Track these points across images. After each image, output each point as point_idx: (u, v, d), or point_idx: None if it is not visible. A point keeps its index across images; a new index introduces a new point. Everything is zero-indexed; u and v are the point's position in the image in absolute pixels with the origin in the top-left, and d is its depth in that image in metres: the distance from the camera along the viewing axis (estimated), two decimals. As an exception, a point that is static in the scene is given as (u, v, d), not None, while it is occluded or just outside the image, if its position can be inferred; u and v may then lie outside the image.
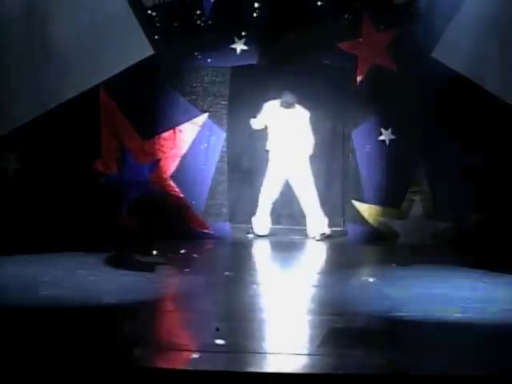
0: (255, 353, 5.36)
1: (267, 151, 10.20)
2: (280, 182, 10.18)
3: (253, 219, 10.32)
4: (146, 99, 9.94)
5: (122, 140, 10.18)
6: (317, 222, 10.14)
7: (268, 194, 10.20)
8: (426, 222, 10.01)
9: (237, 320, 6.21)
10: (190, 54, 10.12)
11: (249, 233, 10.34)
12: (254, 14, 10.21)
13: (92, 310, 6.35)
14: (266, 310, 6.74)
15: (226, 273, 7.96)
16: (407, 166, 10.06)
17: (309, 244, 10.09)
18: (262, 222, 10.31)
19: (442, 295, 7.16)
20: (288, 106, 10.03)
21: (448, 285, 7.62)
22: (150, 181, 10.15)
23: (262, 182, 10.25)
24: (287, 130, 10.08)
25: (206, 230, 10.09)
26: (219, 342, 5.43)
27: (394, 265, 8.70)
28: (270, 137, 10.18)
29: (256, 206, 10.31)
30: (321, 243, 10.10)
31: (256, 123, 10.12)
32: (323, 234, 10.13)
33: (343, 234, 10.44)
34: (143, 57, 9.75)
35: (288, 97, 10.00)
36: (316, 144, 10.31)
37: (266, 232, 10.33)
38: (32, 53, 9.56)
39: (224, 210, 10.22)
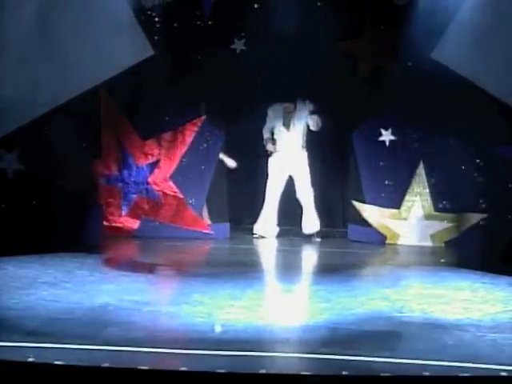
0: (255, 353, 5.35)
1: (270, 152, 10.24)
2: (283, 182, 10.21)
3: (259, 220, 10.32)
4: (146, 100, 9.95)
5: (121, 140, 10.19)
6: (308, 219, 10.24)
7: (273, 194, 10.25)
8: (425, 222, 10.02)
9: (237, 320, 6.22)
10: (190, 54, 10.12)
11: (255, 234, 10.32)
12: (254, 15, 10.22)
13: (91, 310, 6.36)
14: (266, 311, 6.73)
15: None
16: (407, 166, 10.06)
17: (308, 244, 10.09)
18: (268, 223, 10.34)
19: (442, 295, 7.16)
20: (289, 110, 10.20)
21: (448, 285, 7.62)
22: (149, 181, 10.16)
23: (260, 182, 10.26)
24: (290, 131, 10.15)
25: (206, 231, 10.09)
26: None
27: (389, 263, 8.75)
28: (274, 138, 10.27)
29: (257, 207, 10.31)
30: (320, 244, 10.10)
31: (270, 145, 10.31)
32: (316, 232, 10.18)
33: (343, 234, 10.43)
34: (143, 57, 9.75)
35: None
36: (317, 144, 10.33)
37: (272, 234, 10.34)
38: (32, 53, 9.56)
39: (223, 210, 10.21)
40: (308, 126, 10.24)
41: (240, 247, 9.82)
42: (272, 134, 10.35)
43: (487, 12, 9.31)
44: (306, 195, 10.21)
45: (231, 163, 10.31)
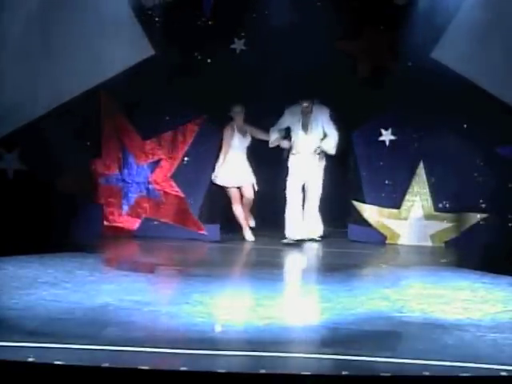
0: (255, 353, 5.36)
1: (288, 156, 9.98)
2: (301, 184, 9.95)
3: (287, 226, 9.90)
4: (147, 100, 9.94)
5: (122, 140, 10.19)
6: (310, 224, 10.02)
7: (293, 197, 9.91)
8: (425, 222, 10.02)
9: (237, 320, 6.23)
10: (190, 54, 10.12)
11: (284, 239, 9.89)
12: (254, 15, 10.21)
13: (91, 310, 6.36)
14: (266, 310, 6.73)
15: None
16: (407, 166, 10.06)
17: (308, 245, 10.06)
18: (295, 226, 9.89)
19: (442, 295, 7.17)
20: (307, 110, 9.84)
21: (448, 285, 7.62)
22: (150, 181, 10.17)
23: (260, 182, 10.15)
24: (308, 134, 9.88)
25: (202, 232, 10.05)
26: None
27: (389, 263, 8.78)
28: (292, 141, 9.95)
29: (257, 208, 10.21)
30: (321, 243, 10.08)
31: (286, 142, 9.93)
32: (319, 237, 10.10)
33: (343, 234, 10.41)
34: (143, 57, 9.77)
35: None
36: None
37: (300, 236, 9.95)
38: (32, 53, 9.57)
39: (215, 211, 10.18)
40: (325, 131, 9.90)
41: (239, 247, 9.80)
42: (283, 134, 9.99)
43: (487, 12, 9.33)
44: (312, 204, 10.00)
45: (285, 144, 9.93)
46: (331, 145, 9.87)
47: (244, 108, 10.01)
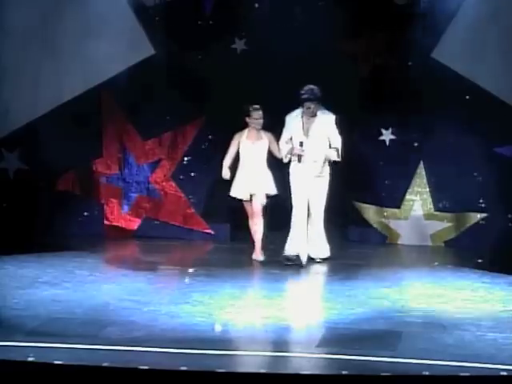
0: (255, 353, 5.36)
1: (299, 156, 8.86)
2: (306, 198, 8.94)
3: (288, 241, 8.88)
4: (147, 99, 9.94)
5: (122, 140, 10.20)
6: (317, 245, 9.04)
7: (298, 210, 8.88)
8: (425, 222, 10.02)
9: (237, 320, 6.23)
10: (190, 54, 10.11)
11: (287, 262, 8.73)
12: (255, 15, 10.21)
13: (91, 309, 6.36)
14: (266, 310, 6.74)
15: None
16: (407, 166, 10.06)
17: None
18: (297, 244, 8.79)
19: (442, 295, 7.17)
20: (311, 113, 8.89)
21: (448, 285, 7.62)
22: (150, 180, 10.18)
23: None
24: (311, 139, 8.90)
25: (206, 231, 10.08)
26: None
27: (389, 263, 8.79)
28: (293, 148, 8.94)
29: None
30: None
31: (299, 148, 8.79)
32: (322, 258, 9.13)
33: (343, 234, 10.40)
34: (144, 57, 9.78)
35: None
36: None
37: (303, 258, 8.76)
38: (33, 53, 9.59)
39: (224, 211, 10.18)
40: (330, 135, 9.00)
41: (240, 247, 9.79)
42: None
43: (487, 11, 9.34)
44: (316, 221, 8.99)
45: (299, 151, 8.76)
46: (336, 152, 9.04)
47: (262, 113, 8.96)
